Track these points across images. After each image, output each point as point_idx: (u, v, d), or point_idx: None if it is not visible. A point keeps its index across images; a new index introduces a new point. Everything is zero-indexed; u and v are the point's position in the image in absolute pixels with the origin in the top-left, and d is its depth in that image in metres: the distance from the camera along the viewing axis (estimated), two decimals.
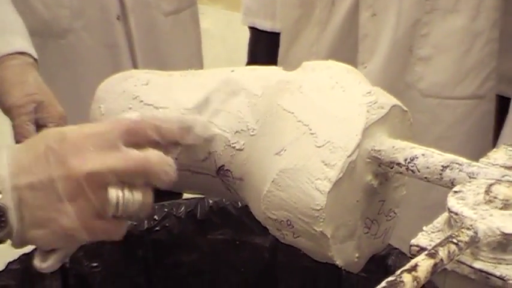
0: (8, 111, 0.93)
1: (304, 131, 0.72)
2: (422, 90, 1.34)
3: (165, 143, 0.70)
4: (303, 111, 0.73)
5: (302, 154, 0.71)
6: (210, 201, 1.13)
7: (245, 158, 0.76)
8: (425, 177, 0.71)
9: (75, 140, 0.66)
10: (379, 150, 0.72)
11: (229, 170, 0.77)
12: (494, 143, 1.42)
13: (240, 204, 1.13)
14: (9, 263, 1.00)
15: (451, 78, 1.34)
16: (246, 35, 2.02)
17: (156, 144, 0.70)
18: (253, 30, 1.83)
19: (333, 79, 0.76)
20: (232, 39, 2.79)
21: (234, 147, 0.76)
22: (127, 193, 0.67)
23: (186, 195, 1.14)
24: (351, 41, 1.37)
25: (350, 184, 0.72)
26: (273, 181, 0.72)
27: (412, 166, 0.71)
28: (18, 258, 1.02)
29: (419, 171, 0.71)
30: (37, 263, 0.70)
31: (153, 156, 0.68)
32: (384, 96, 0.75)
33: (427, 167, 0.70)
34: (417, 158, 0.71)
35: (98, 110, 0.85)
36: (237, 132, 0.76)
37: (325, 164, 0.70)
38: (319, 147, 0.71)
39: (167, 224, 1.12)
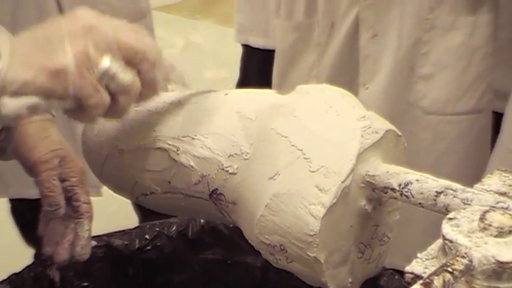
0: (32, 167, 0.93)
1: (298, 156, 0.72)
2: (425, 108, 1.34)
3: None
4: (296, 136, 0.73)
5: (296, 179, 0.71)
6: (202, 221, 1.13)
7: (238, 182, 0.75)
8: (420, 203, 0.70)
9: (89, 11, 0.71)
10: (373, 175, 0.72)
11: (222, 194, 0.77)
12: None
13: (231, 224, 1.12)
14: None
15: (453, 94, 1.35)
16: (238, 50, 2.02)
17: None
18: (246, 47, 1.83)
19: (327, 103, 0.75)
20: (224, 54, 2.78)
21: (227, 171, 0.76)
22: (120, 66, 0.70)
23: None
24: (352, 63, 1.37)
25: (344, 209, 0.71)
26: (266, 205, 0.72)
27: (406, 191, 0.71)
28: (8, 278, 1.01)
29: (413, 197, 0.70)
30: (4, 99, 0.67)
31: (157, 45, 0.73)
32: (378, 121, 0.75)
33: (421, 193, 0.70)
34: (411, 183, 0.71)
35: (91, 130, 0.85)
36: (230, 156, 0.76)
37: (319, 189, 0.70)
38: (313, 172, 0.71)
39: (158, 243, 1.12)
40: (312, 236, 0.70)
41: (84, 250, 0.96)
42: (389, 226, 0.79)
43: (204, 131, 0.78)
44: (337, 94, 0.77)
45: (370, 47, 1.33)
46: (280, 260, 0.74)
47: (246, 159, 0.75)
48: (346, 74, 1.37)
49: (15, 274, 1.02)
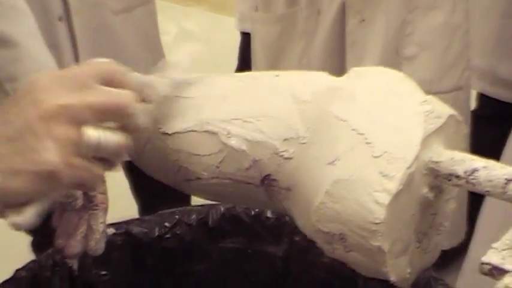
0: None
1: (359, 140, 0.69)
2: None
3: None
4: (357, 120, 0.70)
5: (358, 164, 0.68)
6: (222, 209, 1.09)
7: (294, 167, 0.72)
8: (487, 191, 0.68)
9: (45, 82, 0.65)
10: (437, 162, 0.69)
11: (275, 180, 0.73)
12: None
13: (252, 212, 1.09)
14: (17, 270, 0.97)
15: (437, 73, 1.37)
16: (232, 37, 2.00)
17: None
18: (246, 35, 1.82)
19: (386, 86, 0.72)
20: (218, 42, 2.75)
21: (282, 156, 0.72)
22: (105, 132, 0.65)
23: (196, 202, 1.10)
24: (340, 49, 1.36)
25: (407, 197, 0.68)
26: (326, 192, 0.69)
27: (472, 179, 0.68)
28: (26, 265, 0.98)
29: (481, 184, 0.68)
30: (12, 218, 0.65)
31: (127, 93, 0.67)
32: (440, 106, 0.72)
33: (490, 180, 0.67)
34: (478, 170, 0.68)
35: None
36: (285, 139, 0.73)
37: (384, 176, 0.67)
38: (376, 157, 0.68)
39: (178, 232, 1.08)
40: (376, 224, 0.67)
41: (98, 245, 0.91)
42: (447, 215, 0.76)
43: (256, 113, 0.74)
44: (395, 77, 0.74)
45: (357, 32, 1.33)
46: (337, 249, 0.71)
47: (303, 143, 0.72)
48: (336, 60, 1.36)
49: (33, 261, 0.98)
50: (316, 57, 1.39)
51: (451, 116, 0.72)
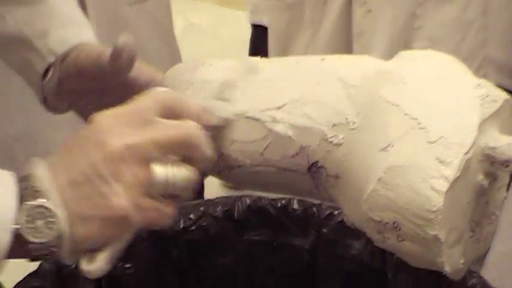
0: None
1: (413, 126, 0.66)
2: None
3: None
4: (409, 104, 0.67)
5: (412, 150, 0.65)
6: (248, 200, 1.07)
7: (344, 153, 0.69)
8: None
9: (107, 122, 0.63)
10: (494, 148, 0.67)
11: (323, 167, 0.70)
12: None
13: (279, 204, 1.07)
14: (42, 263, 0.94)
15: None
16: (239, 31, 1.98)
17: None
18: (258, 27, 1.80)
19: (437, 70, 0.70)
20: (225, 35, 2.73)
21: (331, 142, 0.70)
22: (173, 168, 0.63)
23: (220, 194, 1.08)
24: (347, 39, 1.34)
25: (464, 184, 0.66)
26: (379, 180, 0.66)
27: None
28: None
29: None
30: (84, 266, 0.63)
31: (190, 124, 0.65)
32: (494, 89, 0.70)
33: None
34: None
35: None
36: (334, 125, 0.70)
37: (440, 162, 0.64)
38: (431, 143, 0.65)
39: (203, 224, 1.06)
40: (433, 212, 0.64)
41: None
42: (498, 203, 0.73)
43: (303, 98, 0.71)
44: (446, 60, 0.72)
45: (364, 23, 1.31)
46: (389, 238, 0.68)
47: (353, 129, 0.69)
48: (341, 51, 1.33)
49: None
50: (322, 47, 1.37)
51: (506, 100, 0.70)
